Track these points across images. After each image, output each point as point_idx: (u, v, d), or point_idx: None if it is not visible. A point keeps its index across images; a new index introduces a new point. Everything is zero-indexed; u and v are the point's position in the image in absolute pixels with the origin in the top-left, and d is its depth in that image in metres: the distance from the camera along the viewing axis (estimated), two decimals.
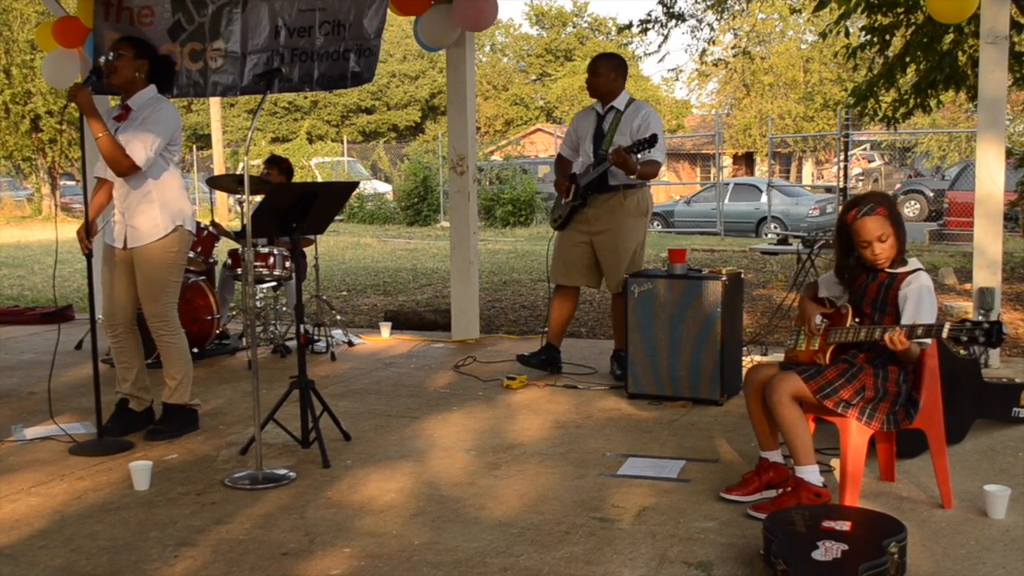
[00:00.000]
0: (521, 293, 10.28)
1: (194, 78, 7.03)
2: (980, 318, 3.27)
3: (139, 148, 4.40)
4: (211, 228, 6.59)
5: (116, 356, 4.74)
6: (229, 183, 6.84)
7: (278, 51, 6.82)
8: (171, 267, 4.60)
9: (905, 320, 3.36)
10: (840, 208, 3.71)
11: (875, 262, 3.48)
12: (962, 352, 4.55)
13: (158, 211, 4.52)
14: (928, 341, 3.36)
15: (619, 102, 5.64)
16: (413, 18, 6.93)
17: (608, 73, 5.63)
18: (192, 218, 4.70)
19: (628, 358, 5.22)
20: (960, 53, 8.07)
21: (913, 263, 3.50)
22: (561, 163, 5.96)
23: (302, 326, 4.41)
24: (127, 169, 4.42)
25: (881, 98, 9.18)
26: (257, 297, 6.69)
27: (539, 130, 36.79)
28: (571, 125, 5.93)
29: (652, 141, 5.33)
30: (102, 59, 4.58)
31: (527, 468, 4.11)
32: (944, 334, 3.18)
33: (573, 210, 5.70)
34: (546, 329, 5.99)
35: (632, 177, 5.46)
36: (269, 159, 7.16)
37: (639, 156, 5.34)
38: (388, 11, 6.60)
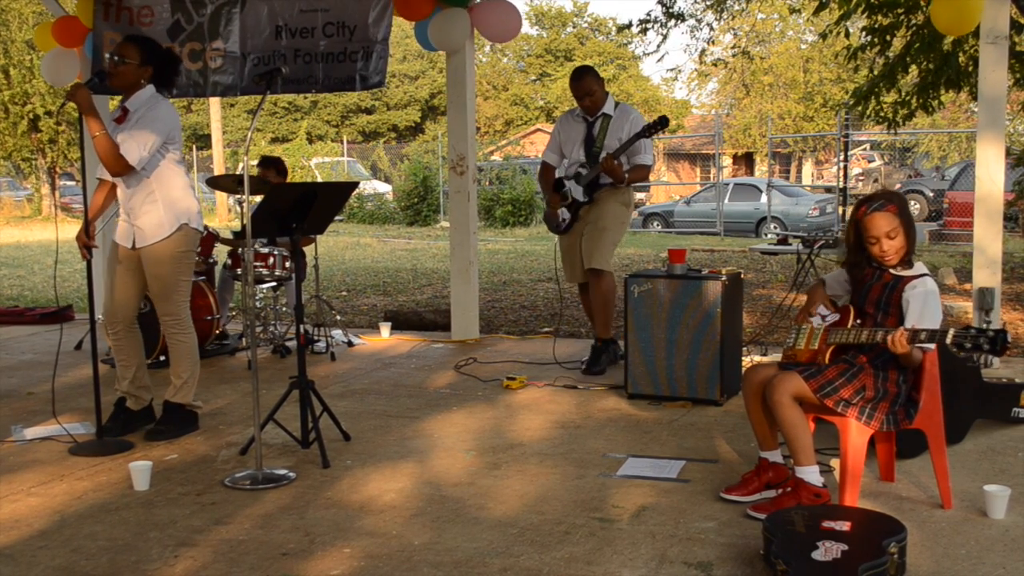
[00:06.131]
0: (521, 293, 10.28)
1: (194, 78, 7.03)
2: (984, 325, 3.26)
3: (134, 148, 4.38)
4: (209, 229, 6.58)
5: (115, 354, 4.75)
6: (229, 183, 6.84)
7: (279, 52, 6.81)
8: (179, 265, 4.60)
9: (908, 323, 3.35)
10: (846, 207, 3.71)
11: (883, 259, 3.47)
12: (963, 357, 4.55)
13: (162, 210, 4.52)
14: (931, 346, 3.36)
15: (607, 107, 5.81)
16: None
17: (600, 89, 5.81)
18: (198, 216, 4.68)
19: (627, 358, 5.23)
20: (960, 53, 8.07)
21: (919, 267, 3.50)
22: (546, 169, 6.07)
23: (302, 326, 4.41)
24: (122, 169, 4.42)
25: (882, 99, 9.18)
26: (257, 297, 6.69)
27: (539, 130, 36.77)
28: (555, 129, 6.05)
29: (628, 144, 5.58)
30: (107, 58, 4.58)
31: (527, 468, 4.11)
32: (948, 340, 3.17)
33: (578, 208, 5.85)
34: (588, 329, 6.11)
35: (620, 186, 5.68)
36: (264, 161, 7.10)
37: (619, 160, 5.57)
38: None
